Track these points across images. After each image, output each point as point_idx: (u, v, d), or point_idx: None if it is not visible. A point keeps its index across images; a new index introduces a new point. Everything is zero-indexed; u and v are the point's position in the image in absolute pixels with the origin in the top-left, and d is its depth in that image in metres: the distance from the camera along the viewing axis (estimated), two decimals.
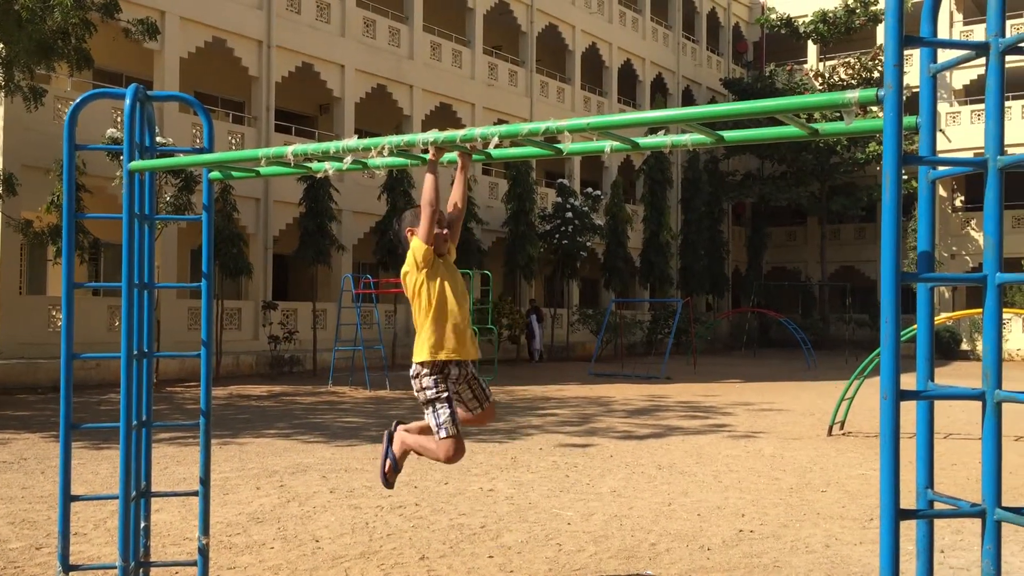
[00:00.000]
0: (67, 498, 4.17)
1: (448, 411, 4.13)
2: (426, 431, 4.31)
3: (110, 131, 17.44)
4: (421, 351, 4.16)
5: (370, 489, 7.77)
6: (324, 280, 24.87)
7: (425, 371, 4.16)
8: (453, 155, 4.03)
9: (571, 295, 32.63)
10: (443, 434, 4.11)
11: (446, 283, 4.16)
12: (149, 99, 4.26)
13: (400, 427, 4.48)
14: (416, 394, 4.23)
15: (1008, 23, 31.24)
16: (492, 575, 5.25)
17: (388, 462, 4.45)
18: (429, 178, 4.02)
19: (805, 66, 41.70)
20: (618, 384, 20.37)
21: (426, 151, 3.85)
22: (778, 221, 43.52)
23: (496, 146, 3.48)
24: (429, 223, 4.05)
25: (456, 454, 4.15)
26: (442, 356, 4.13)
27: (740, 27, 44.64)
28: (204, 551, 4.39)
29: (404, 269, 4.21)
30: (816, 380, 22.22)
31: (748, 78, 41.55)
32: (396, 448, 4.43)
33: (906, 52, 2.24)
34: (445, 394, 4.14)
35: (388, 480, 4.49)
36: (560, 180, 31.60)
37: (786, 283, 41.23)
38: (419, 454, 4.34)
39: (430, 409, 4.16)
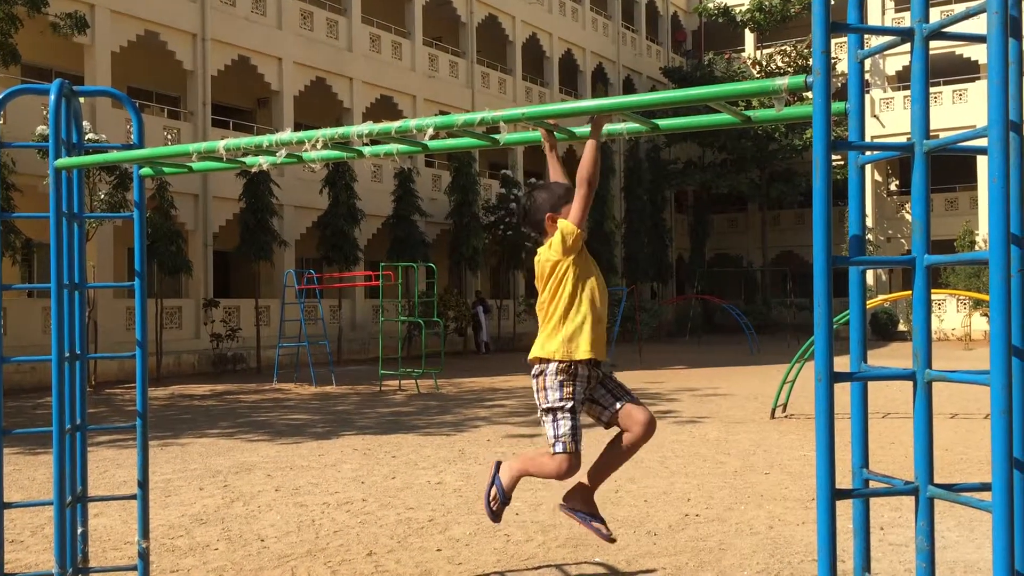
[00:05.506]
0: (0, 505, 4.07)
1: (571, 424, 3.65)
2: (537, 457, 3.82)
3: (40, 128, 16.97)
4: (549, 346, 3.67)
5: (316, 486, 7.70)
6: (266, 276, 24.56)
7: (551, 369, 3.67)
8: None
9: (517, 286, 32.67)
10: (559, 448, 3.64)
11: (592, 273, 3.72)
12: (75, 94, 4.15)
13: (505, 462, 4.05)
14: (535, 396, 3.72)
15: (934, 9, 31.99)
16: (441, 568, 5.23)
17: (494, 490, 3.96)
18: (596, 156, 3.51)
19: (743, 54, 42.23)
20: None
21: (366, 143, 3.72)
22: (720, 208, 44.10)
23: (432, 137, 3.45)
24: (587, 205, 3.58)
25: (570, 471, 3.68)
26: (577, 356, 3.62)
27: (679, 16, 45.09)
28: (144, 555, 4.31)
29: (545, 254, 3.73)
30: (759, 364, 22.56)
31: (687, 67, 42.00)
32: (505, 476, 3.94)
33: (838, 40, 2.26)
34: (570, 403, 3.64)
35: (495, 512, 3.99)
36: (504, 171, 31.60)
37: (729, 269, 41.78)
38: (531, 474, 3.86)
39: (549, 417, 3.67)
